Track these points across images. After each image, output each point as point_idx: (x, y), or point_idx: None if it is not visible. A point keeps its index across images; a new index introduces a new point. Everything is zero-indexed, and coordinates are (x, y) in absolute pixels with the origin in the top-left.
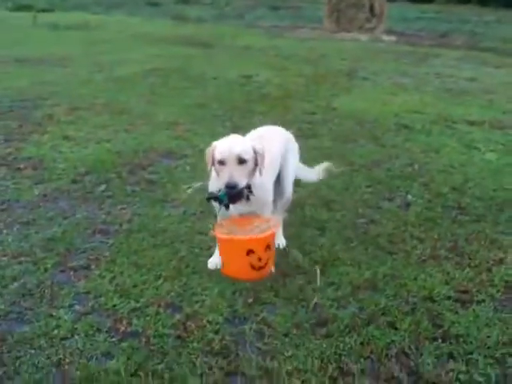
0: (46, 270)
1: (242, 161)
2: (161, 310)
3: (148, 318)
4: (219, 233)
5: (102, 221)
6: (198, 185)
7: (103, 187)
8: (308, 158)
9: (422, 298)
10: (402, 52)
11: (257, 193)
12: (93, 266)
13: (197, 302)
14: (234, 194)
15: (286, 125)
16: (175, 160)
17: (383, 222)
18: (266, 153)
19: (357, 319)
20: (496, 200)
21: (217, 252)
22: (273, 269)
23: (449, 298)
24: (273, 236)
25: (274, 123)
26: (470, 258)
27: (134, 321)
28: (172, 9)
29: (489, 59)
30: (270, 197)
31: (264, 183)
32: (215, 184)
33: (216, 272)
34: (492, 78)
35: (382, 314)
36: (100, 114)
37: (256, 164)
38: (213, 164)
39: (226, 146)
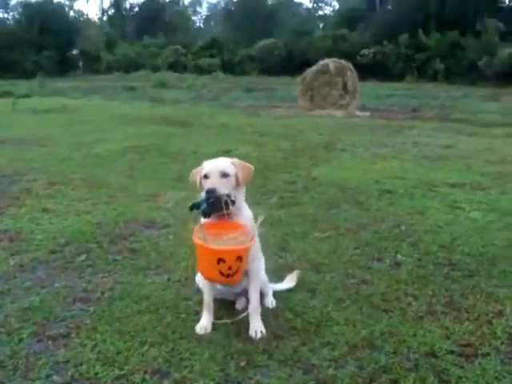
0: (20, 340)
1: (224, 174)
2: (147, 377)
3: None
4: (196, 236)
5: (83, 289)
6: (178, 197)
7: (83, 257)
8: (292, 225)
9: (424, 354)
10: (377, 125)
11: (242, 219)
12: (73, 335)
13: (186, 367)
14: (213, 200)
15: (267, 194)
16: (157, 230)
17: (375, 281)
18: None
19: (357, 379)
20: (486, 255)
21: (205, 315)
22: (263, 331)
23: (452, 352)
24: (246, 250)
25: (254, 193)
26: (468, 312)
27: None
28: (149, 92)
29: (462, 128)
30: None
31: (249, 215)
32: (203, 220)
33: (205, 337)
34: (467, 145)
35: (384, 371)
36: (78, 188)
37: (238, 181)
38: (200, 184)
39: (212, 162)
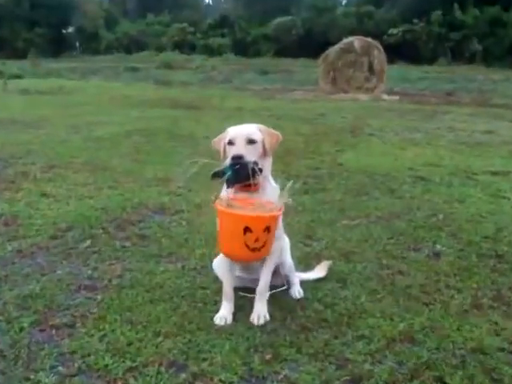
0: (21, 329)
1: (250, 140)
2: (162, 369)
3: (148, 379)
4: (219, 204)
5: (88, 276)
6: (198, 161)
7: (88, 243)
8: (318, 212)
9: (471, 351)
10: (408, 110)
11: (268, 195)
12: (78, 324)
13: (204, 359)
14: (239, 167)
15: (290, 179)
16: (169, 215)
17: (411, 272)
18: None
19: (397, 375)
20: None
21: (225, 305)
22: (266, 316)
23: (502, 349)
24: (275, 219)
25: (276, 179)
26: None
27: (131, 381)
28: (154, 74)
29: (503, 114)
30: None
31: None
32: (225, 191)
33: (225, 328)
34: (509, 131)
35: (427, 368)
36: (80, 172)
37: (265, 149)
38: (224, 152)
39: (237, 128)
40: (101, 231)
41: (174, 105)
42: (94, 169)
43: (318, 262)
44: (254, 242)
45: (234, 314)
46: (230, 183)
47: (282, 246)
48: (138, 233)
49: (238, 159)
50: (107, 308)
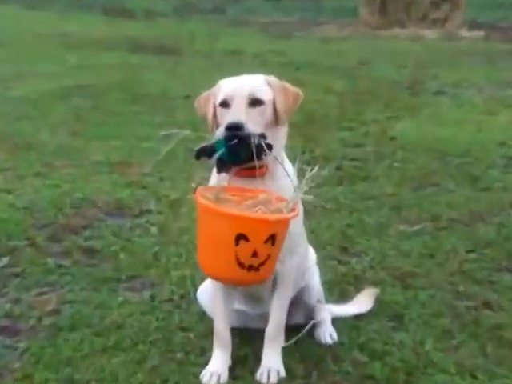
0: None
1: (254, 101)
2: None
3: None
4: (200, 195)
5: (6, 313)
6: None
7: (4, 261)
8: (359, 212)
9: None
10: (498, 52)
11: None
12: None
13: None
14: (237, 142)
15: (314, 163)
16: (130, 218)
17: (504, 304)
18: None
19: None
20: None
21: (217, 356)
22: (281, 372)
23: None
24: (284, 224)
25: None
26: None
27: None
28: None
29: None
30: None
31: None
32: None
33: None
34: None
35: None
36: None
37: (277, 115)
38: (214, 119)
39: (234, 82)
40: (25, 243)
41: (134, 47)
42: (12, 147)
43: (360, 289)
44: (250, 257)
45: (231, 369)
46: (223, 165)
47: (305, 264)
48: (83, 245)
49: (235, 130)
50: (35, 362)
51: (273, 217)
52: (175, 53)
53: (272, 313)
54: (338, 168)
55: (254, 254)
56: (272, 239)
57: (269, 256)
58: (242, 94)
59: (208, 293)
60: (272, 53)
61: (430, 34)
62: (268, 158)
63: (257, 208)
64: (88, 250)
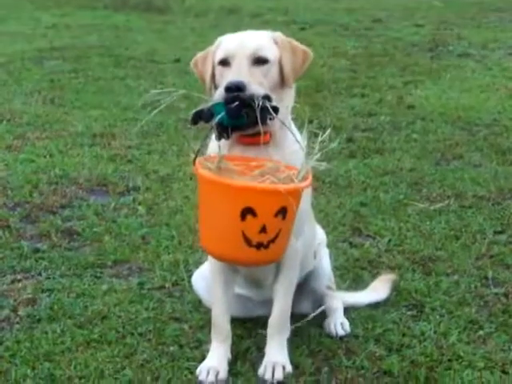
0: None
1: (259, 60)
2: None
3: None
4: (202, 166)
5: None
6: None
7: None
8: (373, 188)
9: None
10: None
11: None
12: None
13: None
14: (238, 104)
15: (323, 135)
16: (115, 197)
17: None
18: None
19: None
20: None
21: (215, 349)
22: (286, 367)
23: None
24: (296, 194)
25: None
26: None
27: None
28: None
29: None
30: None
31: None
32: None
33: None
34: None
35: None
36: None
37: (283, 75)
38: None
39: (236, 38)
40: None
41: (117, 5)
42: None
43: (375, 274)
44: (258, 234)
45: (231, 364)
46: (223, 131)
47: (312, 245)
48: (62, 227)
49: (236, 91)
50: (10, 356)
51: (283, 187)
52: (163, 11)
53: (276, 299)
54: (350, 139)
55: (263, 230)
56: (283, 212)
57: (280, 231)
58: (245, 51)
59: (205, 278)
60: (272, 11)
61: None
62: (273, 124)
63: (264, 178)
64: (67, 232)
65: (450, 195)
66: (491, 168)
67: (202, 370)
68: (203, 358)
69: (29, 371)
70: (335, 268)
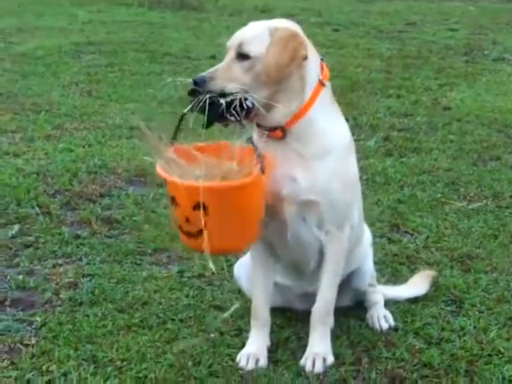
0: None
1: (241, 55)
2: None
3: None
4: (161, 158)
5: (18, 285)
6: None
7: (15, 229)
8: (411, 186)
9: None
10: None
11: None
12: (3, 365)
13: None
14: (199, 101)
15: (359, 132)
16: (153, 187)
17: None
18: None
19: None
20: None
21: (255, 337)
22: (328, 360)
23: None
24: (217, 193)
25: None
26: None
27: None
28: None
29: None
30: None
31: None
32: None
33: (257, 373)
34: None
35: None
36: None
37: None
38: None
39: (238, 30)
40: (36, 210)
41: (151, 3)
42: (19, 108)
43: (413, 270)
44: (185, 223)
45: (272, 352)
46: (207, 123)
47: (359, 242)
48: (101, 215)
49: (197, 86)
50: (53, 337)
51: (188, 182)
52: (197, 10)
53: (320, 291)
54: (386, 138)
55: (187, 220)
56: (201, 207)
57: (206, 226)
58: (233, 44)
59: (247, 267)
60: (305, 12)
61: None
62: (278, 120)
63: (197, 172)
64: (107, 219)
65: (487, 195)
66: None
67: (242, 357)
68: (243, 345)
69: (71, 352)
70: (374, 263)
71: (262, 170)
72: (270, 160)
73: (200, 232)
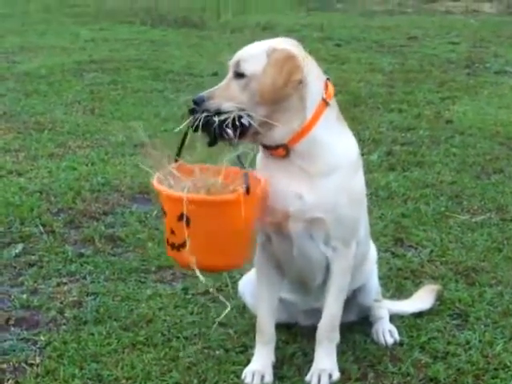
0: None
1: (237, 74)
2: None
3: None
4: (160, 172)
5: (21, 304)
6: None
7: (18, 248)
8: (414, 200)
9: None
10: None
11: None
12: (9, 383)
13: None
14: (196, 119)
15: (362, 147)
16: (157, 204)
17: None
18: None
19: None
20: None
21: (260, 354)
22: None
23: None
24: (200, 205)
25: None
26: None
27: None
28: None
29: None
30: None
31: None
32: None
33: None
34: None
35: None
36: None
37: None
38: None
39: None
40: (40, 229)
41: (154, 20)
42: (22, 126)
43: (418, 284)
44: (170, 234)
45: (277, 368)
46: (213, 140)
47: (366, 259)
48: (105, 233)
49: (195, 104)
50: (58, 357)
51: (170, 191)
52: (199, 27)
53: (326, 306)
54: (389, 153)
55: (172, 232)
56: (184, 219)
57: (189, 238)
58: (232, 63)
59: (251, 283)
60: (308, 28)
61: (488, 7)
62: (303, 139)
63: (186, 184)
64: (111, 238)
65: (491, 208)
66: None
67: (247, 374)
68: (248, 362)
69: (76, 371)
70: (378, 277)
71: (248, 190)
72: (258, 180)
73: (183, 245)
